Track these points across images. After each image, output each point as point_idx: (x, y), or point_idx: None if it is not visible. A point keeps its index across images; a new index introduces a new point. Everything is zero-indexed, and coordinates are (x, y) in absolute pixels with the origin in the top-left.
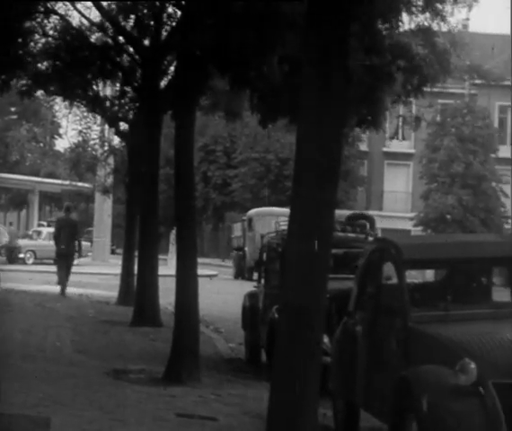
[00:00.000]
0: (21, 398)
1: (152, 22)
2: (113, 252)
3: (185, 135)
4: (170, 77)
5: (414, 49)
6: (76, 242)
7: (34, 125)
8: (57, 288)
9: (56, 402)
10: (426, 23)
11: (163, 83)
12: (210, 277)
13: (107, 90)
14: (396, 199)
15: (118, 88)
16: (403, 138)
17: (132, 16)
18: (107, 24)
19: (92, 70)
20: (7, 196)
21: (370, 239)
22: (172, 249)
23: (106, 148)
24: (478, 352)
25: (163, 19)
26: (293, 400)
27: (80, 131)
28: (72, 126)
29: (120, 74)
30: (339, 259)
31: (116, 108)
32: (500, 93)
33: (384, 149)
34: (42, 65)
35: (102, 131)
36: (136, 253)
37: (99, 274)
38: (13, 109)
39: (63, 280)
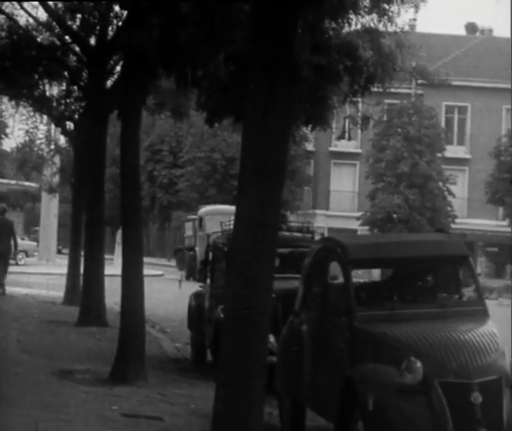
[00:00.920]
0: None
1: (98, 22)
2: (59, 252)
3: (131, 134)
4: (116, 77)
5: (360, 50)
6: (12, 242)
7: None
8: None
9: (2, 402)
10: (372, 24)
11: (109, 83)
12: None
13: (53, 89)
14: (342, 199)
15: (64, 87)
16: (350, 138)
17: (79, 16)
18: (54, 24)
19: (39, 70)
20: None
21: (316, 238)
22: (119, 248)
23: (52, 148)
24: (424, 351)
25: (109, 18)
26: (238, 400)
27: (27, 131)
28: (18, 125)
29: (67, 73)
30: (285, 258)
31: (62, 107)
32: (447, 93)
33: (331, 149)
34: None
35: (49, 131)
36: (83, 253)
37: (45, 274)
38: None
39: (1, 279)
